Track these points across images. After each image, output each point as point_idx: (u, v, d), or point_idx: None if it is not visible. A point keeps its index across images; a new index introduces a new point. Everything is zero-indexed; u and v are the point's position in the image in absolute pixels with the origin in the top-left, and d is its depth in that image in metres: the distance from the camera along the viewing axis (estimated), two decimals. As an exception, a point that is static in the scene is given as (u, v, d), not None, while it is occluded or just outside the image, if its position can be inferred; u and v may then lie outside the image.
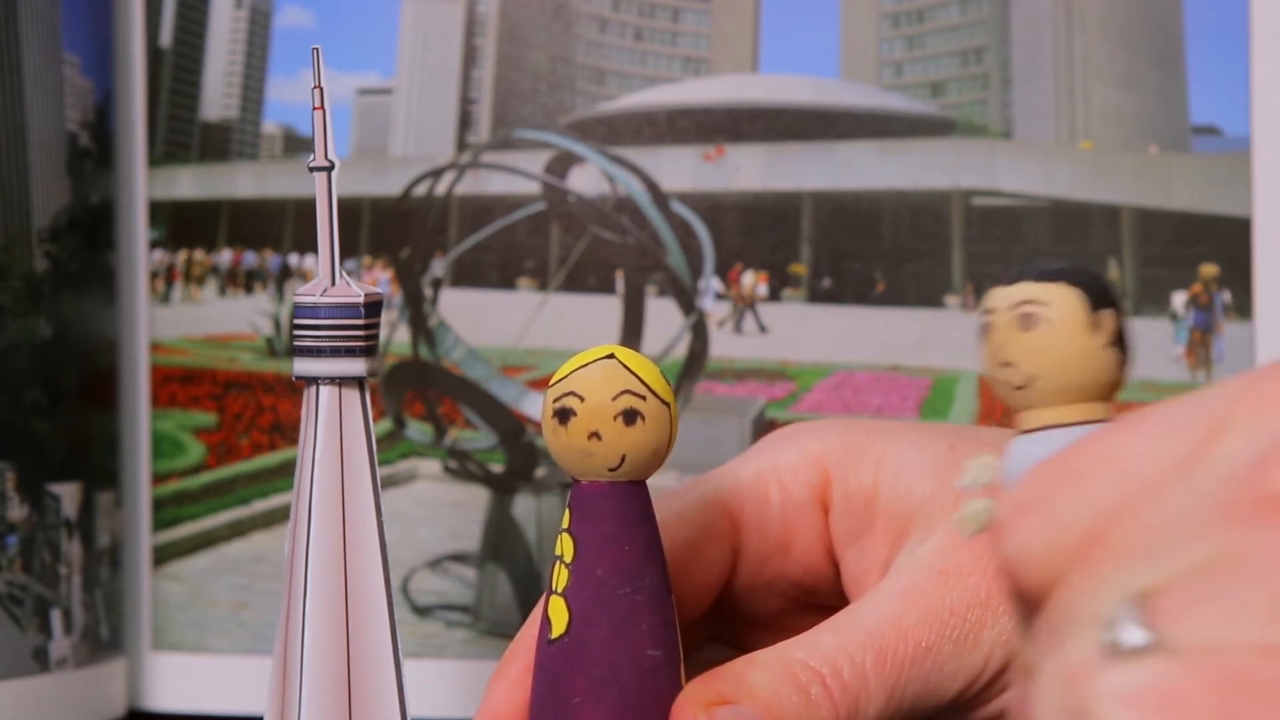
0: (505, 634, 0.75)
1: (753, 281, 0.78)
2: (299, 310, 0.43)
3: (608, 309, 0.78)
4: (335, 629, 0.42)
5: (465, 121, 0.80)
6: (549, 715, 0.37)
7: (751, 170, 0.77)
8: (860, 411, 0.76)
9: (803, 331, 0.78)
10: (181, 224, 0.80)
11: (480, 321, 0.78)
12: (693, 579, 0.41)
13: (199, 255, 0.81)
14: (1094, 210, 0.75)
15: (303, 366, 0.43)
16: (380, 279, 0.79)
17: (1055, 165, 0.76)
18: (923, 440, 0.42)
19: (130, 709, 0.76)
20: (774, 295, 0.78)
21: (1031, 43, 0.76)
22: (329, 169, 0.43)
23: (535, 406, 0.76)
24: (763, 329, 0.78)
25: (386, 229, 0.79)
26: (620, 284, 0.78)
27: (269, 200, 0.81)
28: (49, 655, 0.71)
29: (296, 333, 0.43)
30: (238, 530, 0.78)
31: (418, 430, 0.78)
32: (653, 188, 0.76)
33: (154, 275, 0.79)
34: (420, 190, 0.78)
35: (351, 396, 0.43)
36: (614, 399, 0.36)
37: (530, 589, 0.76)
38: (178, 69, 0.81)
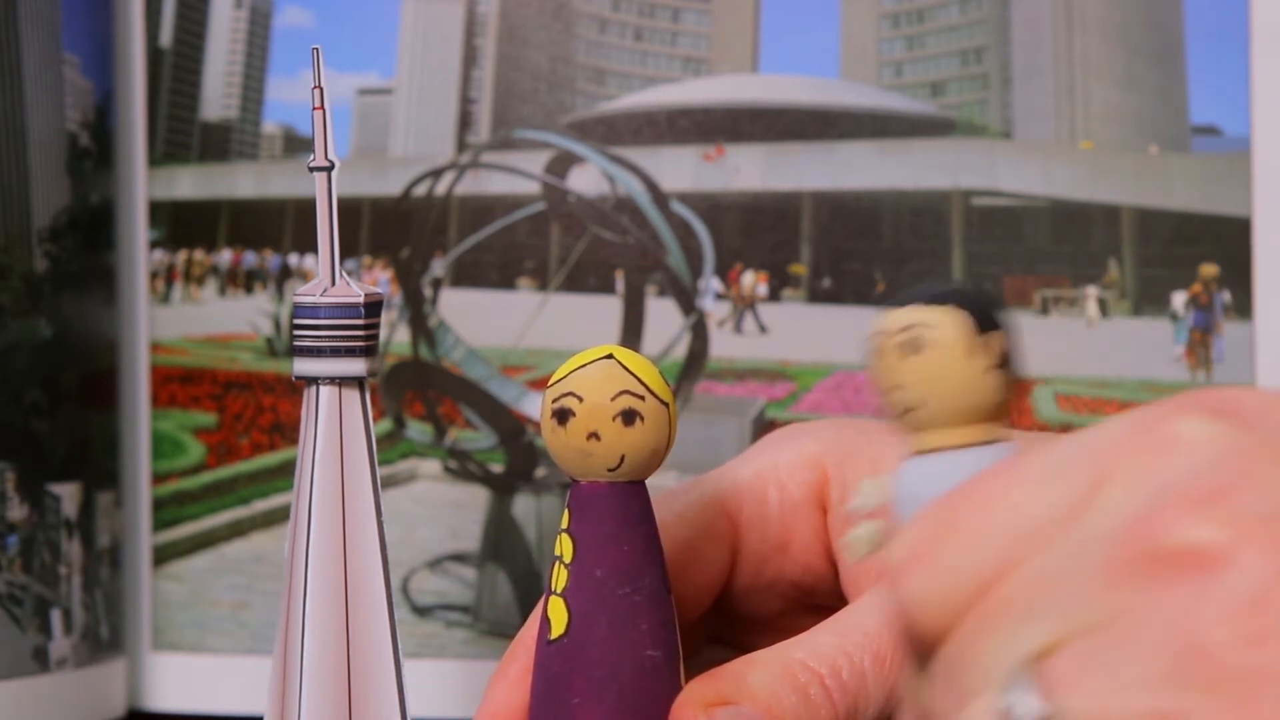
0: (505, 634, 0.75)
1: (753, 281, 0.78)
2: (299, 310, 0.43)
3: (608, 309, 0.78)
4: (335, 629, 0.42)
5: (465, 121, 0.80)
6: (549, 715, 0.37)
7: (751, 170, 0.77)
8: (860, 411, 0.76)
9: (803, 331, 0.78)
10: (181, 224, 0.80)
11: (480, 321, 0.78)
12: (692, 580, 0.41)
13: (199, 255, 0.81)
14: (1094, 210, 0.75)
15: (303, 366, 0.43)
16: (380, 279, 0.79)
17: (1055, 165, 0.76)
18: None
19: (130, 709, 0.76)
20: (774, 295, 0.78)
21: (1031, 43, 0.76)
22: (329, 169, 0.43)
23: (535, 406, 0.76)
24: (763, 329, 0.78)
25: (386, 229, 0.79)
26: (620, 284, 0.78)
27: (269, 200, 0.81)
28: (49, 655, 0.71)
29: (296, 333, 0.43)
30: (238, 530, 0.78)
31: (418, 430, 0.78)
32: (653, 188, 0.76)
33: (154, 275, 0.79)
34: (420, 190, 0.78)
35: (351, 396, 0.43)
36: (613, 399, 0.36)
37: (530, 589, 0.76)
38: (178, 69, 0.81)
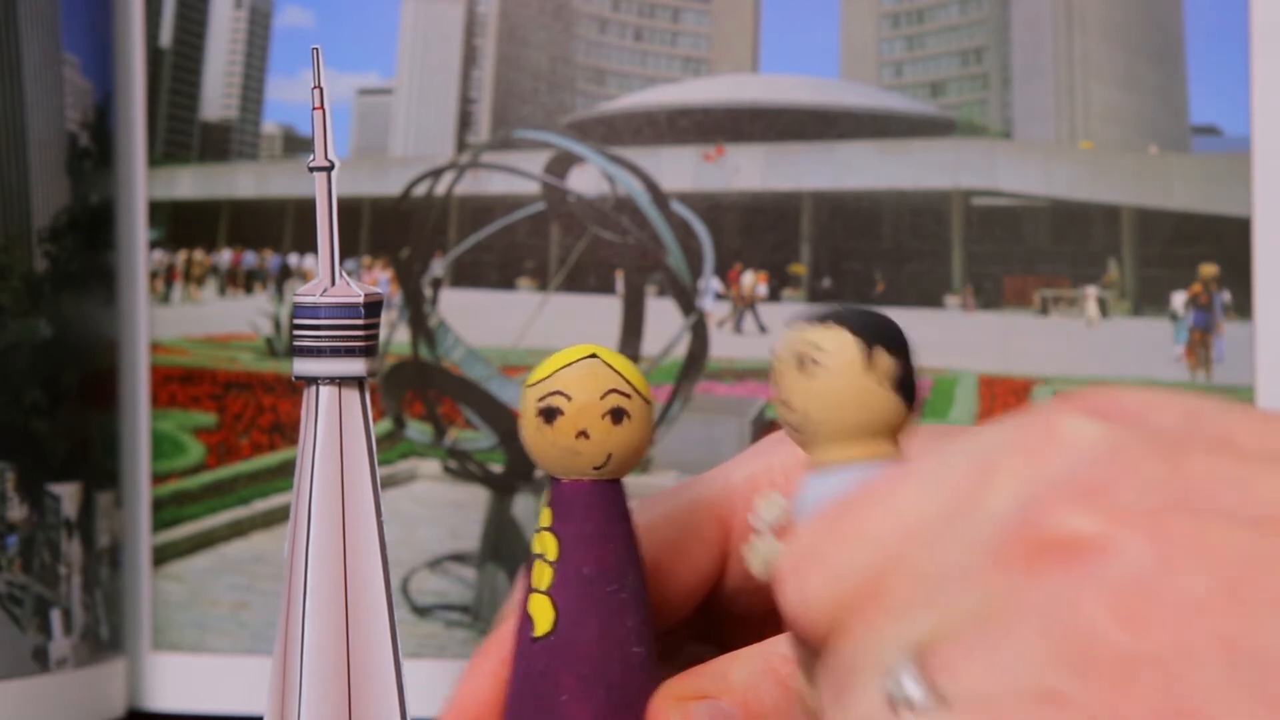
0: (505, 634, 0.75)
1: (753, 281, 0.78)
2: (299, 310, 0.43)
3: (608, 309, 0.78)
4: (335, 629, 0.42)
5: (465, 121, 0.80)
6: (533, 713, 0.37)
7: (751, 170, 0.77)
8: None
9: (803, 331, 0.78)
10: (181, 224, 0.80)
11: (480, 321, 0.78)
12: (679, 581, 0.41)
13: (199, 255, 0.81)
14: (1094, 210, 0.75)
15: (302, 366, 0.43)
16: (380, 279, 0.79)
17: (1055, 165, 0.76)
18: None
19: (130, 709, 0.76)
20: (774, 295, 0.78)
21: (1031, 43, 0.76)
22: (329, 169, 0.43)
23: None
24: (763, 329, 0.78)
25: (386, 229, 0.79)
26: (620, 284, 0.78)
27: (269, 200, 0.81)
28: (49, 655, 0.71)
29: (296, 333, 0.43)
30: (238, 530, 0.78)
31: (418, 430, 0.78)
32: (653, 188, 0.76)
33: (154, 275, 0.79)
34: (420, 190, 0.78)
35: (351, 396, 0.43)
36: (601, 398, 0.36)
37: (530, 589, 0.76)
38: (178, 69, 0.81)
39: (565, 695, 0.36)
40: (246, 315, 0.81)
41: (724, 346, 0.77)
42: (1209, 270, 0.73)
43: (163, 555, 0.77)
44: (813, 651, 0.29)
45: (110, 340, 0.77)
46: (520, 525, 0.76)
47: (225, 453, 0.78)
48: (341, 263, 0.43)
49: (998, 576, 0.25)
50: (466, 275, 0.79)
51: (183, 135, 0.81)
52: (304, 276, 0.80)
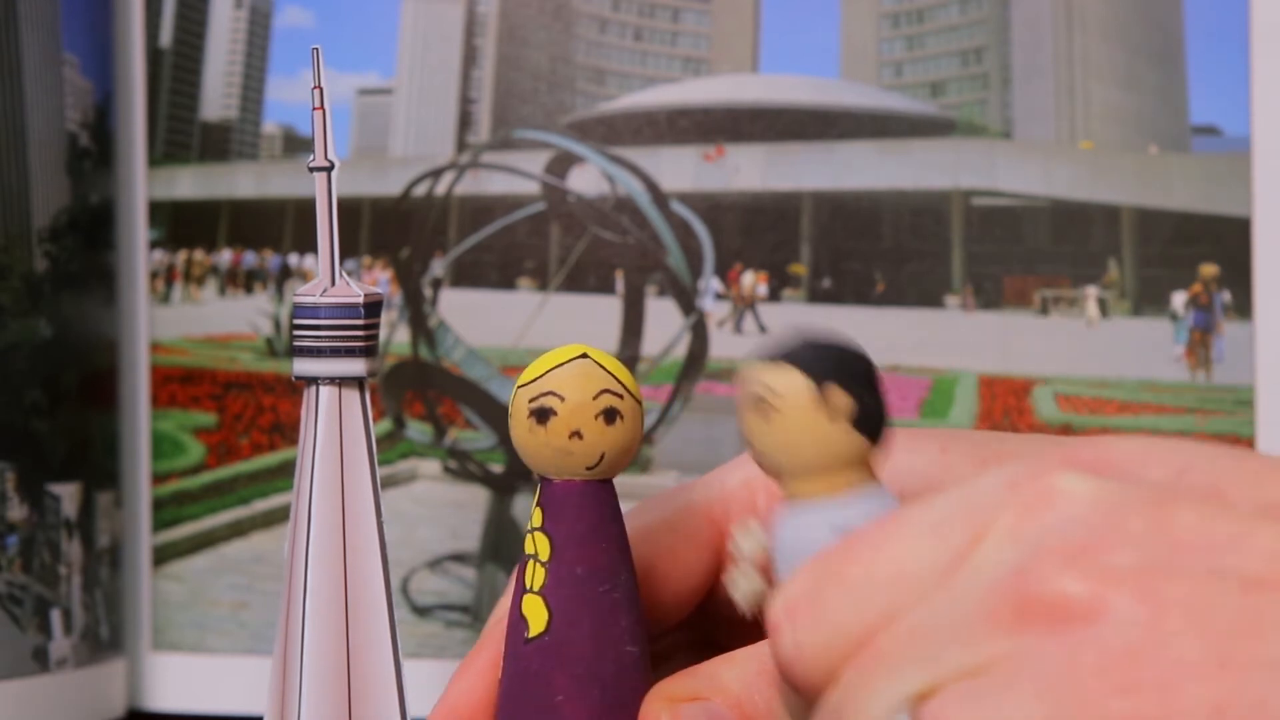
0: (505, 634, 0.75)
1: (753, 281, 0.78)
2: (299, 310, 0.43)
3: (608, 309, 0.78)
4: (335, 629, 0.42)
5: (465, 121, 0.80)
6: (527, 714, 0.37)
7: (751, 170, 0.77)
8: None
9: (803, 331, 0.78)
10: (181, 224, 0.80)
11: (480, 321, 0.78)
12: (674, 585, 0.41)
13: (199, 255, 0.81)
14: (1094, 210, 0.75)
15: (303, 366, 0.43)
16: (380, 279, 0.79)
17: (1055, 165, 0.76)
18: (913, 444, 0.42)
19: (130, 709, 0.76)
20: (774, 295, 0.78)
21: (1031, 43, 0.76)
22: (329, 169, 0.43)
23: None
24: (763, 329, 0.78)
25: (386, 229, 0.79)
26: (620, 284, 0.78)
27: (269, 200, 0.81)
28: (49, 655, 0.71)
29: (296, 333, 0.43)
30: (238, 530, 0.78)
31: (418, 430, 0.78)
32: (653, 188, 0.76)
33: (154, 275, 0.79)
34: (420, 190, 0.78)
35: (351, 396, 0.43)
36: (595, 398, 0.36)
37: (530, 589, 0.76)
38: (178, 69, 0.81)
39: (560, 695, 0.36)
40: (246, 315, 0.81)
41: (724, 346, 0.77)
42: (1209, 270, 0.73)
43: (163, 555, 0.77)
44: (803, 698, 0.29)
45: (110, 340, 0.77)
46: (520, 525, 0.76)
47: (225, 453, 0.78)
48: (341, 263, 0.43)
49: (991, 634, 0.25)
50: (466, 275, 0.79)
51: (183, 135, 0.81)
52: (304, 276, 0.80)
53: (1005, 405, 0.75)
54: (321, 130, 0.44)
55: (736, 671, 0.37)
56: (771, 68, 0.78)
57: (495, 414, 0.77)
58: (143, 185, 0.78)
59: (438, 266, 0.79)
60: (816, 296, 0.78)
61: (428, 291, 0.78)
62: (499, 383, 0.77)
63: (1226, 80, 0.72)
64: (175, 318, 0.79)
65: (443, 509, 0.77)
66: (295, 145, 0.81)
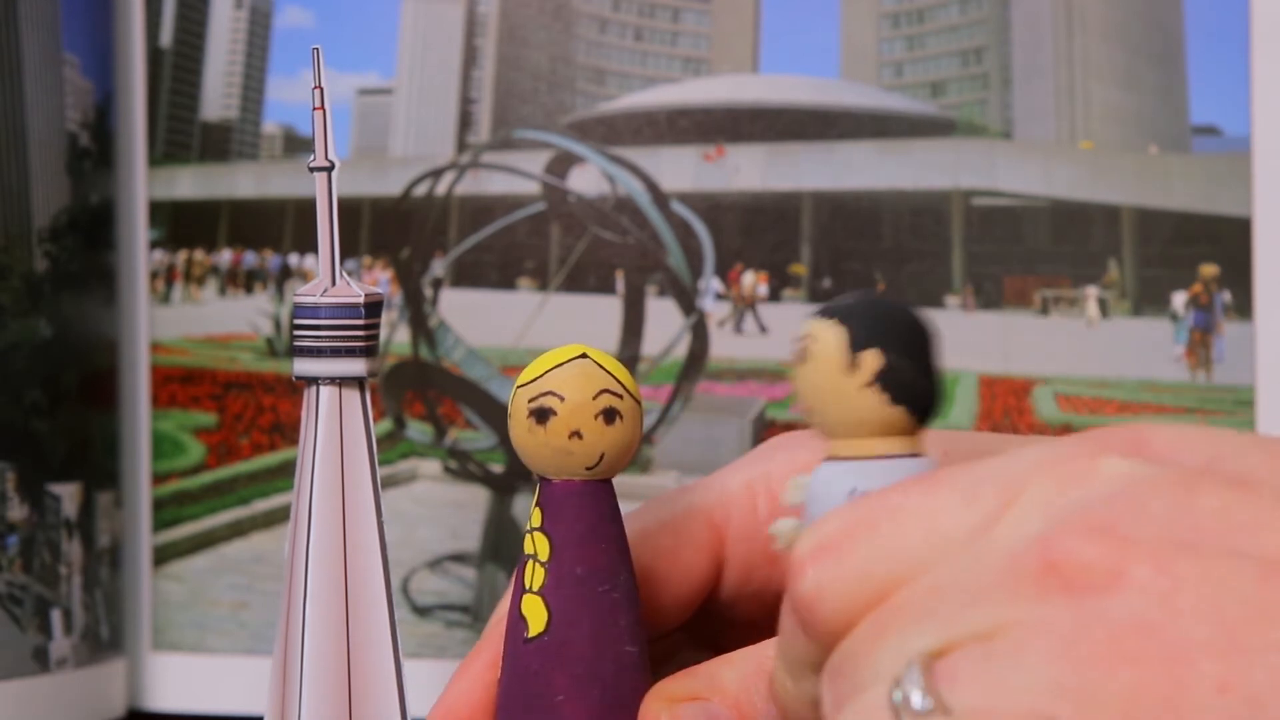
0: (505, 634, 0.75)
1: (753, 281, 0.78)
2: (299, 310, 0.43)
3: (608, 309, 0.78)
4: (335, 629, 0.42)
5: (465, 121, 0.80)
6: (527, 714, 0.37)
7: (751, 170, 0.77)
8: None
9: (803, 331, 0.78)
10: (181, 224, 0.80)
11: (480, 321, 0.78)
12: (674, 587, 0.41)
13: (199, 255, 0.81)
14: (1094, 210, 0.75)
15: (303, 366, 0.43)
16: (380, 279, 0.79)
17: (1055, 165, 0.76)
18: None
19: (130, 709, 0.76)
20: (774, 295, 0.78)
21: (1031, 43, 0.76)
22: (329, 169, 0.43)
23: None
24: (763, 329, 0.78)
25: (386, 229, 0.79)
26: (620, 284, 0.78)
27: (269, 200, 0.81)
28: (49, 655, 0.71)
29: (296, 333, 0.43)
30: (238, 530, 0.78)
31: (418, 430, 0.78)
32: (653, 188, 0.76)
33: (154, 275, 0.79)
34: (420, 190, 0.78)
35: (351, 396, 0.43)
36: (594, 398, 0.36)
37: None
38: (178, 69, 0.81)
39: (560, 695, 0.36)
40: (246, 315, 0.81)
41: (724, 346, 0.77)
42: (1209, 270, 0.73)
43: (163, 555, 0.77)
44: (814, 642, 0.29)
45: (110, 340, 0.77)
46: (520, 525, 0.76)
47: (225, 453, 0.78)
48: (342, 263, 0.43)
49: (1009, 599, 0.25)
50: (466, 275, 0.79)
51: (183, 135, 0.81)
52: (304, 276, 0.80)
53: (1005, 405, 0.75)
54: (322, 130, 0.44)
55: (735, 672, 0.37)
56: (771, 68, 0.78)
57: (495, 414, 0.77)
58: (143, 185, 0.78)
59: (438, 266, 0.79)
60: (817, 296, 0.78)
61: (428, 291, 0.78)
62: (499, 383, 0.77)
63: (1226, 80, 0.72)
64: (175, 318, 0.79)
65: (443, 509, 0.77)
66: (295, 145, 0.81)
